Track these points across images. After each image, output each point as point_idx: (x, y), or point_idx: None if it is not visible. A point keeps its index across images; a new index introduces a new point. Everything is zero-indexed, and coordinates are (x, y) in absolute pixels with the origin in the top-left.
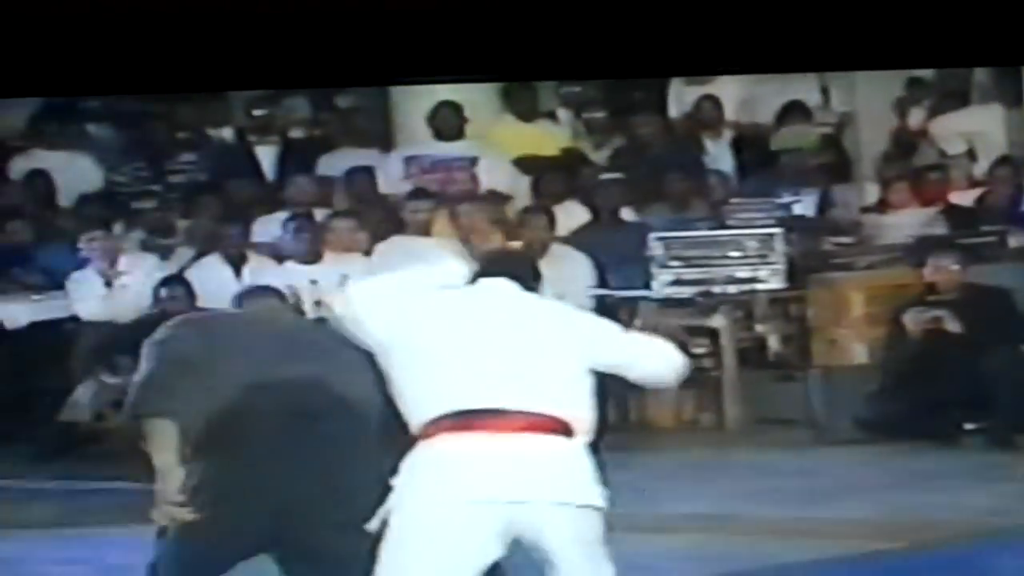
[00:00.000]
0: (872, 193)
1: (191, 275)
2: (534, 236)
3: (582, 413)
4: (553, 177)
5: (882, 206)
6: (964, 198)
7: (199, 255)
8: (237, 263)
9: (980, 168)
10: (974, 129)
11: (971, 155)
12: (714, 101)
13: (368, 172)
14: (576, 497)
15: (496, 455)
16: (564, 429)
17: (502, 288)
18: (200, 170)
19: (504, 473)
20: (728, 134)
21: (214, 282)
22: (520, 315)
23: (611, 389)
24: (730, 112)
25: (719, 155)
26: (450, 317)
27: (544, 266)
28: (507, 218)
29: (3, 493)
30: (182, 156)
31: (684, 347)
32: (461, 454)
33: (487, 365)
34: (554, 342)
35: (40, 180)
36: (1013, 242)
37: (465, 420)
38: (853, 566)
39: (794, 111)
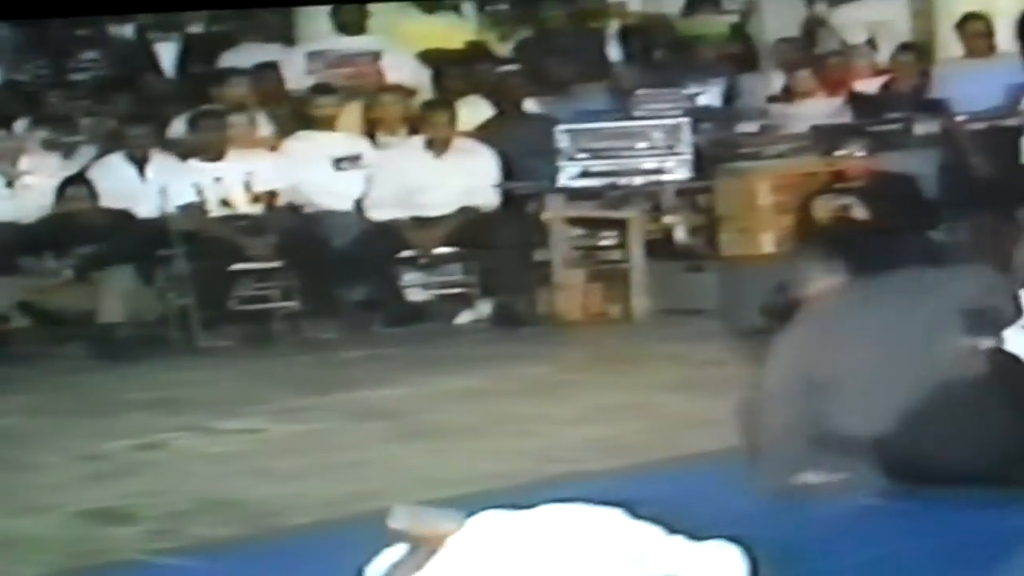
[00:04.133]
0: (778, 82)
1: (94, 174)
2: (437, 129)
3: None
4: (455, 71)
5: (788, 95)
6: (869, 86)
7: (102, 154)
8: (140, 162)
9: (883, 57)
10: (876, 18)
11: (872, 44)
12: None
13: (274, 67)
14: None
15: None
16: None
17: None
18: (101, 68)
19: None
20: (634, 24)
21: (117, 181)
22: None
23: (517, 284)
24: (637, 2)
25: (625, 46)
26: None
27: (448, 160)
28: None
29: None
30: (83, 54)
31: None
32: None
33: None
34: None
35: None
36: (918, 129)
37: None
38: None
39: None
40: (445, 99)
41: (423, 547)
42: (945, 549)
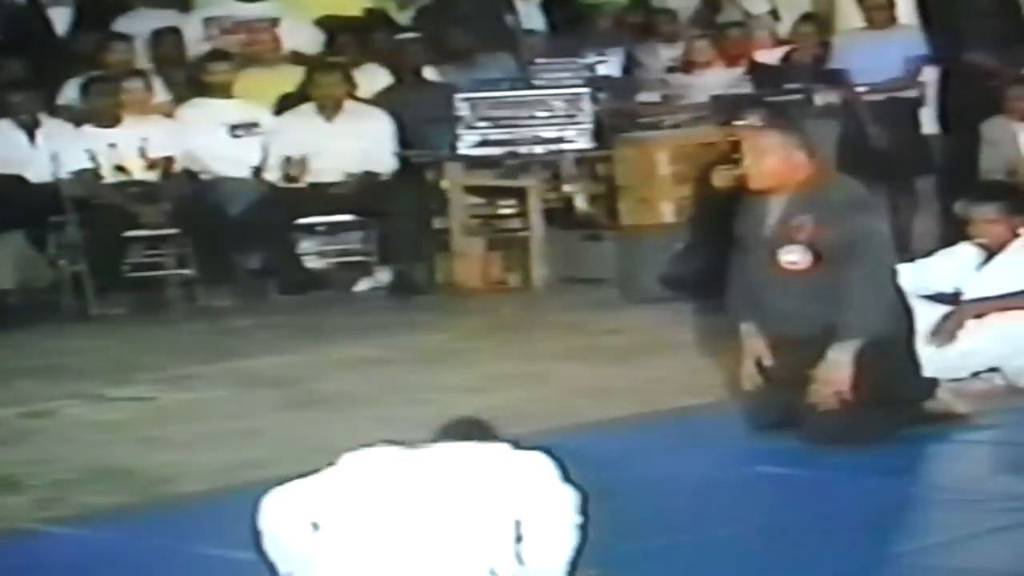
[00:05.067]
0: (678, 52)
1: None
2: (327, 93)
3: None
4: (350, 38)
5: (688, 65)
6: (769, 56)
7: None
8: (31, 128)
9: (784, 27)
10: None
11: (774, 15)
12: None
13: (173, 32)
14: None
15: None
16: None
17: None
18: None
19: None
20: None
21: (7, 148)
22: None
23: (416, 252)
24: None
25: (527, 14)
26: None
27: (339, 123)
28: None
29: None
30: None
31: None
32: None
33: None
34: None
35: None
36: (818, 99)
37: None
38: (663, 421)
39: None
40: (334, 62)
41: None
42: (830, 516)
